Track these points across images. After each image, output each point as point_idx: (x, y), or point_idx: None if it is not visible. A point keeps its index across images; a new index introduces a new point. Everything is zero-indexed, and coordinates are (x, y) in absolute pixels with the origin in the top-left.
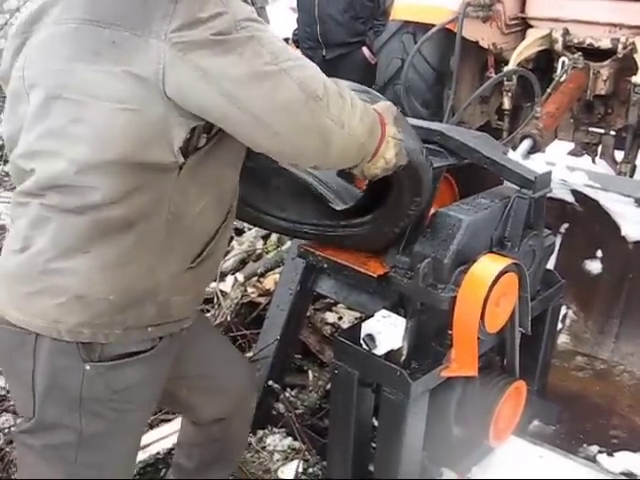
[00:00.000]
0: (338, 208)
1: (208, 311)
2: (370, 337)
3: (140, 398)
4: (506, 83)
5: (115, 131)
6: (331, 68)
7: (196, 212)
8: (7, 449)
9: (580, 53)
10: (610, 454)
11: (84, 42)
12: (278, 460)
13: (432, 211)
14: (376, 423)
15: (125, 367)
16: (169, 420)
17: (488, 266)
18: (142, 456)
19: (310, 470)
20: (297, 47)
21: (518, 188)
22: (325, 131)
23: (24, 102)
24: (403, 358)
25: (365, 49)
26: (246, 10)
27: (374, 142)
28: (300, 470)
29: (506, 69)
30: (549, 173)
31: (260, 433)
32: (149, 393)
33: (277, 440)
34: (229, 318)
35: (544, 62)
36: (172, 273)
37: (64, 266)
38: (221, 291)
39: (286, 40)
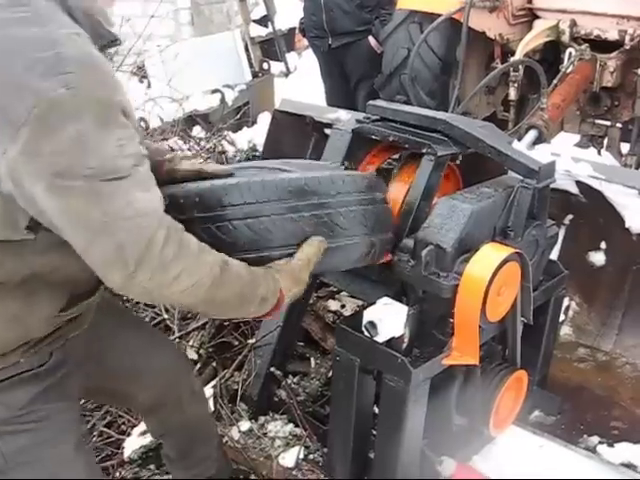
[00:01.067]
0: None
1: None
2: (372, 324)
3: (53, 403)
4: (512, 74)
5: None
6: (337, 57)
7: (54, 268)
8: None
9: (587, 44)
10: (610, 445)
11: None
12: (279, 446)
13: (435, 199)
14: (377, 410)
15: (20, 385)
16: None
17: (490, 255)
18: (143, 441)
19: (311, 456)
20: (303, 36)
21: (522, 178)
22: None
23: None
24: (404, 346)
25: (371, 38)
26: (107, 147)
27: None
28: (301, 456)
29: (512, 59)
30: (553, 163)
31: (262, 419)
32: (62, 396)
33: (278, 426)
34: None
35: (551, 53)
36: (40, 320)
37: None
38: None
39: (293, 29)
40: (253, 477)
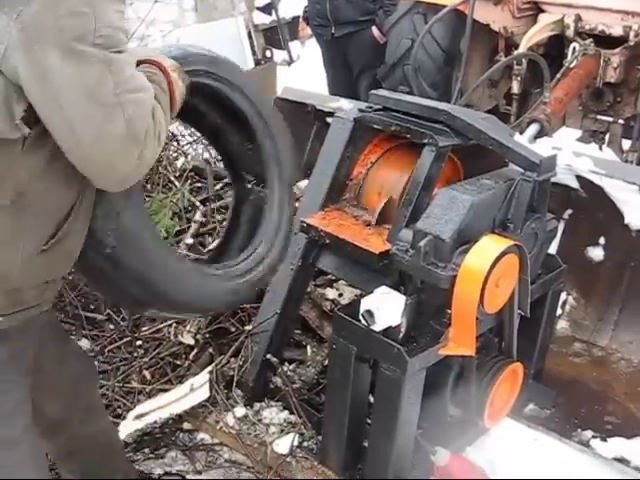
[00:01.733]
0: None
1: None
2: (369, 313)
3: (14, 376)
4: (515, 67)
5: None
6: (340, 46)
7: (42, 189)
8: None
9: (591, 39)
10: (604, 439)
11: None
12: (274, 433)
13: (436, 190)
14: (372, 399)
15: None
16: (166, 390)
17: (489, 247)
18: (139, 425)
19: (305, 444)
20: (307, 24)
21: (523, 171)
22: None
23: None
24: (401, 335)
25: (374, 28)
26: (111, 16)
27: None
28: (295, 443)
29: (516, 53)
30: (554, 157)
31: (257, 406)
32: (21, 369)
33: (273, 413)
34: None
35: (555, 48)
36: (24, 257)
37: None
38: None
39: (297, 17)
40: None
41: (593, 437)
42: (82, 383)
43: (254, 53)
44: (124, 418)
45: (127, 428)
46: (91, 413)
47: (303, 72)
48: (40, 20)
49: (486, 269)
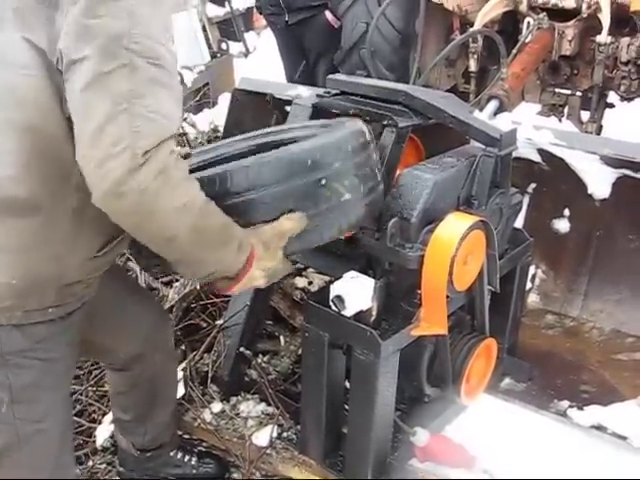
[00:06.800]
0: None
1: (177, 280)
2: (339, 299)
3: (62, 345)
4: (472, 45)
5: (19, 93)
6: (294, 33)
7: None
8: None
9: (545, 13)
10: (580, 408)
11: None
12: (252, 426)
13: (398, 171)
14: (348, 385)
15: (40, 323)
16: None
17: (455, 224)
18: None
19: (284, 434)
20: (260, 13)
21: (484, 147)
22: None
23: None
24: (373, 319)
25: (328, 13)
26: (152, 29)
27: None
28: (274, 435)
29: (471, 30)
30: (514, 131)
31: (233, 400)
32: (70, 339)
33: (251, 406)
34: (198, 287)
35: (509, 24)
36: (78, 262)
37: None
38: None
39: (251, 8)
40: None
41: (570, 407)
42: (154, 328)
43: (209, 46)
44: (100, 423)
45: (103, 433)
46: (165, 349)
47: (261, 63)
48: (80, 21)
49: (453, 247)
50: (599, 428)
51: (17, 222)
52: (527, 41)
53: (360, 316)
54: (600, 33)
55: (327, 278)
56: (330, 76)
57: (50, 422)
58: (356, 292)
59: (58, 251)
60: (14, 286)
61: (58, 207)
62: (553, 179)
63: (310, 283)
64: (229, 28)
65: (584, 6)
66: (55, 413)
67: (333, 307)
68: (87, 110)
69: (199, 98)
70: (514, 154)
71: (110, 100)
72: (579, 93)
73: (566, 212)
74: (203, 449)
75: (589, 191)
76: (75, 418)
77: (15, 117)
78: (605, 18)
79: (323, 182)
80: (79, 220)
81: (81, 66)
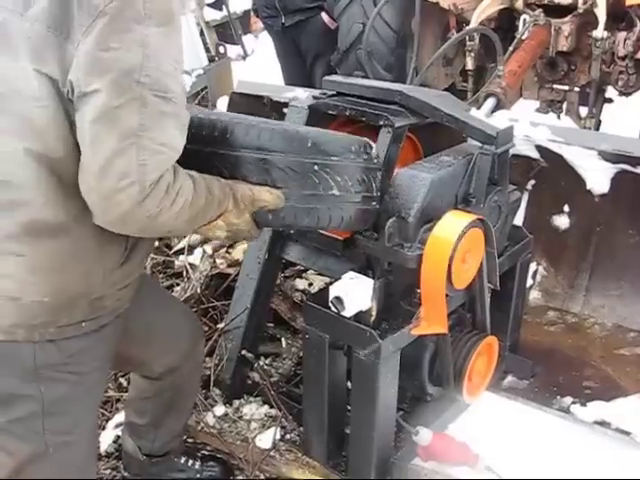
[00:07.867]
0: None
1: (178, 284)
2: (338, 300)
3: (95, 359)
4: (468, 43)
5: (36, 124)
6: (291, 35)
7: None
8: None
9: (541, 10)
10: (583, 404)
11: (6, 35)
12: (255, 429)
13: (395, 171)
14: (350, 386)
15: (73, 338)
16: None
17: (452, 223)
18: (119, 434)
19: (287, 436)
20: (257, 16)
21: (481, 144)
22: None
23: None
24: (372, 319)
25: (324, 14)
26: (163, 62)
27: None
28: (277, 437)
29: (467, 28)
30: (511, 128)
31: (236, 403)
32: (103, 353)
33: (253, 409)
34: (199, 290)
35: (506, 21)
36: (105, 271)
37: None
38: (190, 264)
39: (248, 11)
40: None
41: (573, 403)
42: (189, 341)
43: (207, 50)
44: (104, 428)
45: (108, 438)
46: (198, 361)
47: (259, 65)
48: (93, 54)
49: (451, 245)
50: (602, 424)
51: (48, 243)
52: (524, 38)
53: (359, 316)
54: (596, 28)
55: (327, 279)
56: (326, 77)
57: (78, 434)
58: (355, 292)
59: (86, 267)
60: (47, 304)
61: (82, 227)
62: (552, 176)
63: (310, 285)
64: (227, 31)
65: (580, 1)
66: (84, 425)
67: (332, 308)
68: (96, 142)
69: (198, 102)
70: (513, 151)
71: (119, 134)
72: (577, 89)
73: (565, 208)
74: (207, 453)
75: (588, 187)
76: None
77: (35, 148)
78: (601, 13)
79: (315, 168)
80: (100, 235)
81: (92, 99)
